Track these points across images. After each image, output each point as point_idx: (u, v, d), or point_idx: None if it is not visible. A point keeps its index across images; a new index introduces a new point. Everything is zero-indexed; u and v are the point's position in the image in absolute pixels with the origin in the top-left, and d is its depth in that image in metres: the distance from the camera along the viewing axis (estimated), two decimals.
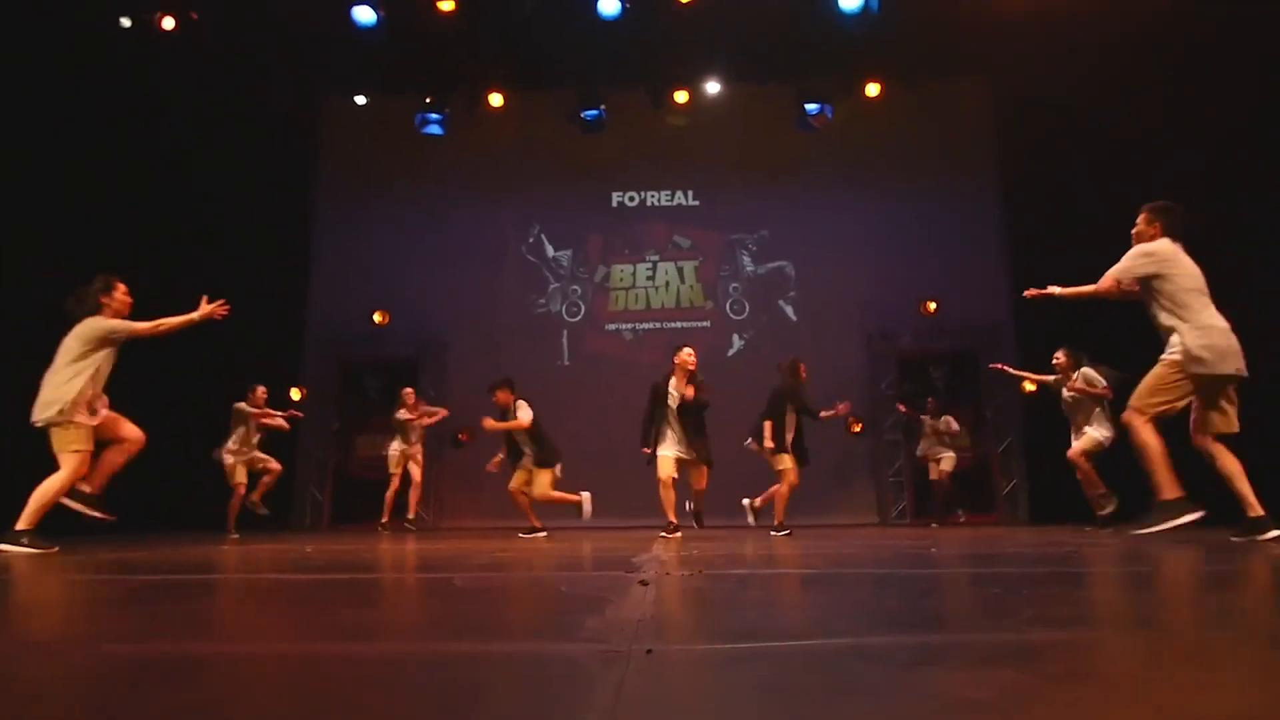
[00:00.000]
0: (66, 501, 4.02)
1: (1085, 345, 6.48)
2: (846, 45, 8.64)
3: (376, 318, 9.89)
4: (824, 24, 8.28)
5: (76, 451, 4.00)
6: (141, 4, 7.88)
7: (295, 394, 9.01)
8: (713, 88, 9.81)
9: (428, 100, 9.55)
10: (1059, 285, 4.50)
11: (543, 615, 1.63)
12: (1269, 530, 3.43)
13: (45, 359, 4.14)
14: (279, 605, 1.97)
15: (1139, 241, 4.11)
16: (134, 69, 8.09)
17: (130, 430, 4.31)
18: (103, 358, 4.19)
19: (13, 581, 2.57)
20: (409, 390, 8.35)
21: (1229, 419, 3.72)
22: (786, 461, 6.23)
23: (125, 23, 7.88)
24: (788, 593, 2.03)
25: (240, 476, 7.26)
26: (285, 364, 9.30)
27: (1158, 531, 3.60)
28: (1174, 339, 3.72)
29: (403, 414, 8.11)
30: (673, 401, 6.04)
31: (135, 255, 7.95)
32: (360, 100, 9.93)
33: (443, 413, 8.43)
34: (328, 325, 9.97)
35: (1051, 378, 6.52)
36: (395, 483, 8.13)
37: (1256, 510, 3.52)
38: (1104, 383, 6.01)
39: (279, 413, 7.54)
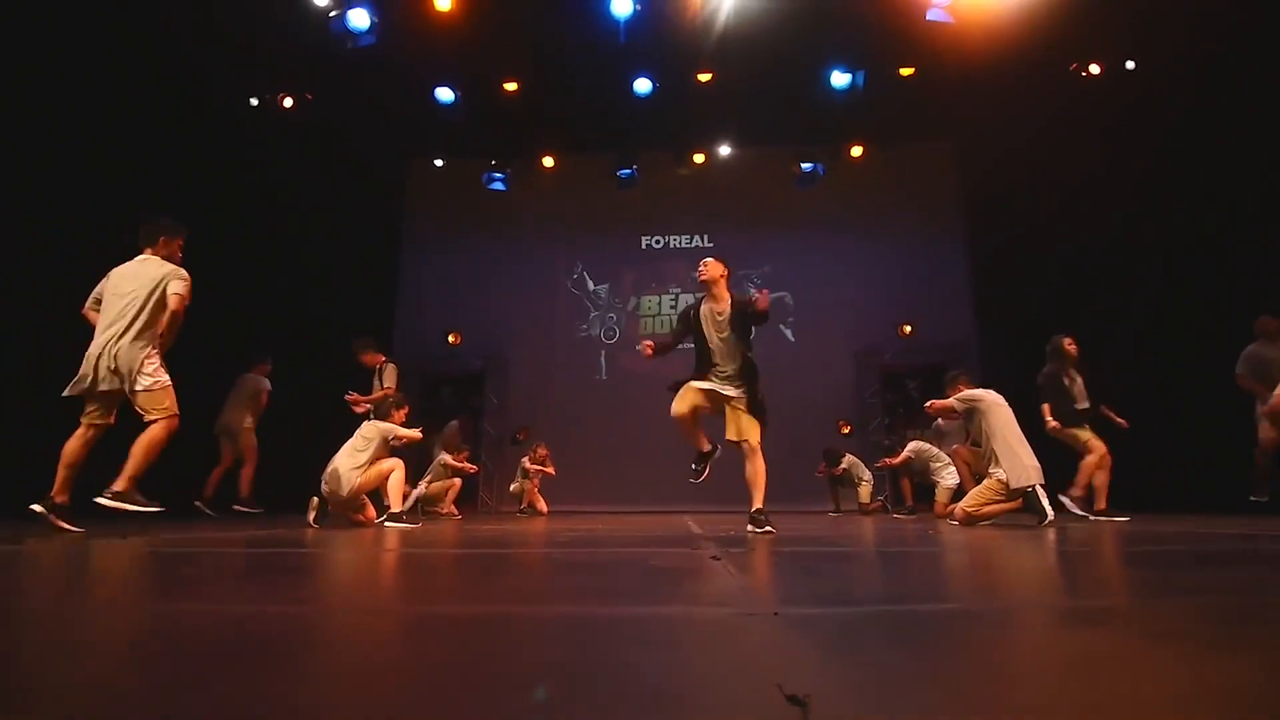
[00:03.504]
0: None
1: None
2: (835, 115, 8.68)
3: (451, 338, 9.99)
4: (817, 98, 8.34)
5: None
6: (267, 87, 8.07)
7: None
8: (725, 150, 9.89)
9: (493, 162, 9.67)
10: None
11: (660, 585, 1.64)
12: None
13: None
14: (432, 577, 2.00)
15: None
16: (262, 138, 8.26)
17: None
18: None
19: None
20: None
21: None
22: (1083, 433, 5.07)
23: (254, 102, 8.07)
24: (842, 565, 2.06)
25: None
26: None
27: None
28: None
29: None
30: (711, 330, 3.92)
31: (257, 291, 8.14)
32: (439, 162, 10.09)
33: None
34: (411, 344, 10.05)
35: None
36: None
37: None
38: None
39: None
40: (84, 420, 3.50)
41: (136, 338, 3.53)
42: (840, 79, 8.10)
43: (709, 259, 4.05)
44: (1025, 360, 7.21)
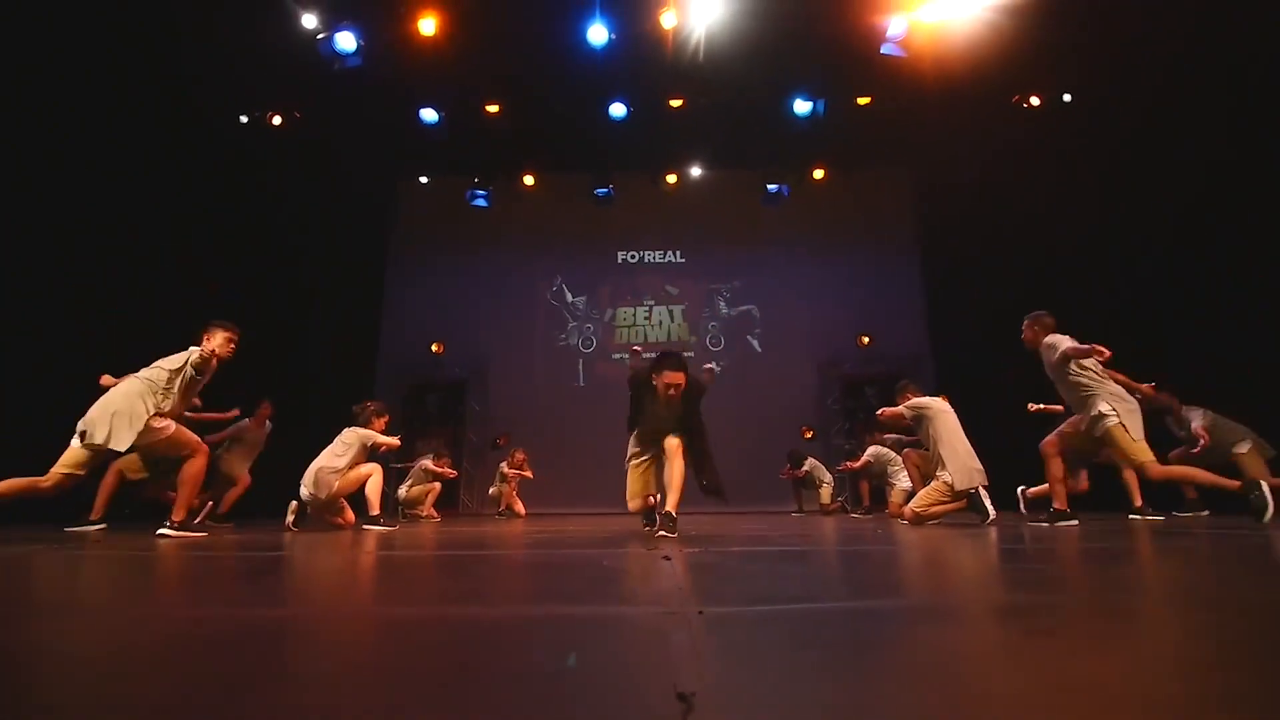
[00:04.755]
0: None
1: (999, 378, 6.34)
2: (799, 140, 8.78)
3: (434, 348, 9.86)
4: (782, 124, 8.42)
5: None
6: (256, 104, 7.94)
7: None
8: (696, 171, 9.93)
9: (476, 180, 9.61)
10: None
11: (603, 585, 1.60)
12: None
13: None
14: (387, 579, 1.94)
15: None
16: (249, 155, 8.11)
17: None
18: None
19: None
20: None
21: None
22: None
23: (243, 119, 7.92)
24: (782, 565, 2.02)
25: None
26: (362, 384, 9.24)
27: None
28: None
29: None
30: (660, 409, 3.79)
31: (245, 302, 7.96)
32: (424, 180, 10.00)
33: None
34: (396, 353, 9.93)
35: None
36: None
37: None
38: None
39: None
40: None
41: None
42: (802, 106, 8.17)
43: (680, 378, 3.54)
44: (974, 369, 7.29)
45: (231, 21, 6.54)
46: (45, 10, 5.62)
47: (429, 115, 8.18)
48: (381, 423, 5.06)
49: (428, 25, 6.82)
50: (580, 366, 10.18)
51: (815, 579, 1.72)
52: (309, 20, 6.69)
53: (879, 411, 4.68)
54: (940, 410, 4.34)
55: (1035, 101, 7.73)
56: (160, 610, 1.27)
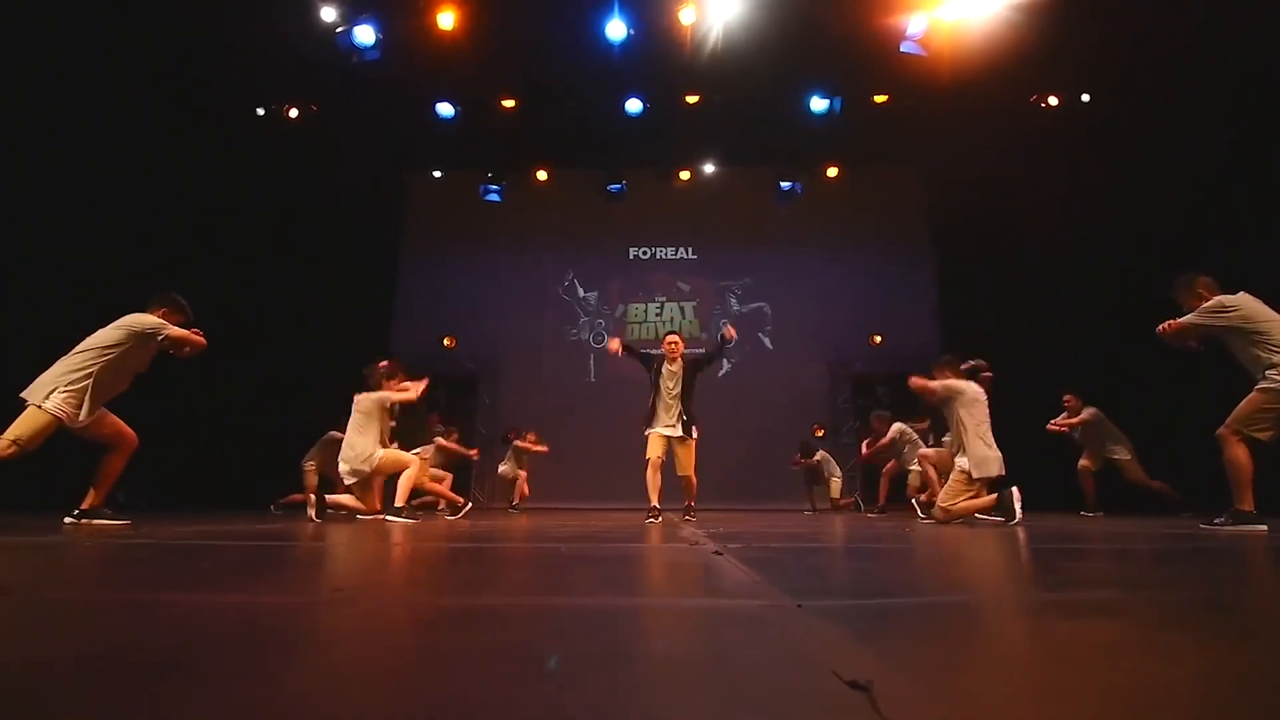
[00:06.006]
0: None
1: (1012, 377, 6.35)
2: (813, 138, 8.76)
3: (446, 342, 9.86)
4: (797, 121, 8.40)
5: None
6: (273, 97, 7.92)
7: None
8: (709, 168, 9.91)
9: (489, 175, 9.60)
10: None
11: (680, 579, 1.60)
12: None
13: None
14: (489, 569, 1.93)
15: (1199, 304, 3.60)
16: (264, 147, 8.11)
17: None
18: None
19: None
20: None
21: None
22: None
23: (260, 111, 7.91)
24: (840, 561, 2.03)
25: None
26: None
27: (1232, 531, 3.09)
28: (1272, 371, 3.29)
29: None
30: (666, 383, 5.10)
31: (260, 292, 7.96)
32: (437, 174, 9.99)
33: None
34: (408, 347, 9.89)
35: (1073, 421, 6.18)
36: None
37: None
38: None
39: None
40: None
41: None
42: (819, 104, 8.16)
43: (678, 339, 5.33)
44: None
45: (251, 14, 6.52)
46: (67, 5, 5.61)
47: (445, 110, 8.17)
48: (394, 384, 4.89)
49: (446, 19, 6.80)
50: (591, 362, 10.18)
51: (879, 573, 1.73)
52: (328, 13, 6.67)
53: (910, 379, 4.57)
54: (975, 397, 4.30)
55: (1053, 101, 7.71)
56: (190, 598, 1.27)
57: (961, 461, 4.19)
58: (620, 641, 0.87)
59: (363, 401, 4.74)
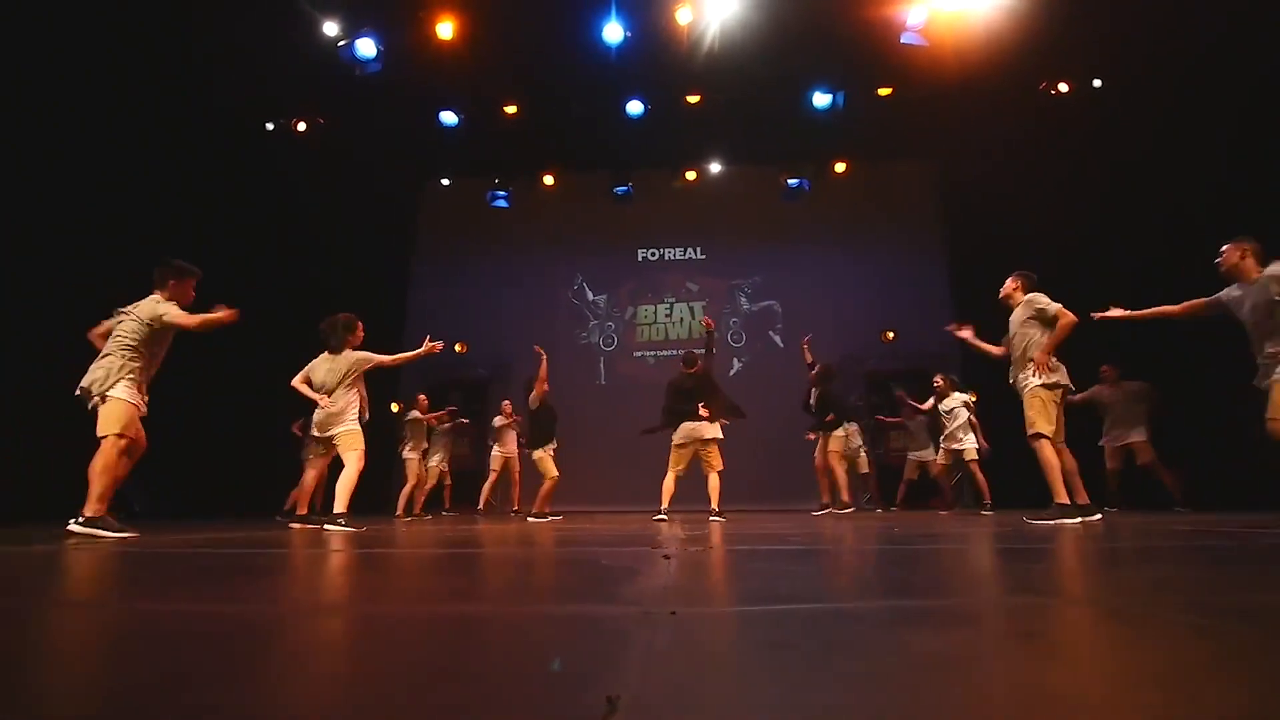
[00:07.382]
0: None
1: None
2: (819, 133, 8.65)
3: (458, 347, 9.95)
4: (801, 117, 8.31)
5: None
6: (281, 111, 8.11)
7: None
8: (715, 167, 9.85)
9: (496, 181, 9.69)
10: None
11: (592, 583, 1.59)
12: None
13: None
14: (393, 577, 1.95)
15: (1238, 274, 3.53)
16: (275, 161, 8.30)
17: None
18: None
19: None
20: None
21: None
22: None
23: (269, 126, 8.11)
24: (784, 564, 1.98)
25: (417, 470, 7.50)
26: (386, 381, 9.37)
27: None
28: None
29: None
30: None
31: (272, 306, 8.14)
32: (446, 181, 10.11)
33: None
34: None
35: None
36: (494, 476, 8.02)
37: None
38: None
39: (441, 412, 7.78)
40: None
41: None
42: (822, 99, 8.06)
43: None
44: (1001, 364, 7.06)
45: (255, 31, 6.69)
46: (76, 22, 5.81)
47: (449, 118, 8.27)
48: (358, 337, 4.78)
49: (445, 29, 6.89)
50: (601, 365, 10.20)
51: (815, 579, 1.68)
52: (330, 28, 6.81)
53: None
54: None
55: (1064, 88, 7.47)
56: (159, 606, 1.29)
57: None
58: (437, 654, 0.86)
59: (335, 363, 4.78)
